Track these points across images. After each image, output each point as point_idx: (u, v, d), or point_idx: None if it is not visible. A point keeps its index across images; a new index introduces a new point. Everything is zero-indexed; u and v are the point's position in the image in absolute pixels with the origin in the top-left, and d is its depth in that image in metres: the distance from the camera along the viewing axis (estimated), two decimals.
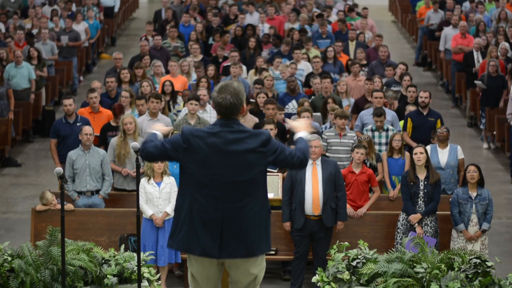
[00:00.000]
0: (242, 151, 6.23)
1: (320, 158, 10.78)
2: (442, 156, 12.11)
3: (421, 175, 10.92)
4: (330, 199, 10.68)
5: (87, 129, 11.75)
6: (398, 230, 10.94)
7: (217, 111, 6.33)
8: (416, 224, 10.81)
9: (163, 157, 6.42)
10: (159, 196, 10.92)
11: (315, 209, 10.66)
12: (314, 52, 18.33)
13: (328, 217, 10.68)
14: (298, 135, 6.56)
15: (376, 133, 12.88)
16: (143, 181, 10.93)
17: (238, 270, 6.43)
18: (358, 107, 14.58)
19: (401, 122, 13.58)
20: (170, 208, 10.87)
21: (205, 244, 6.26)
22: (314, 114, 13.70)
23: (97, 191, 11.66)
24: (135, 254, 9.12)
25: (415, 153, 10.97)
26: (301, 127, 6.63)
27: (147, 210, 10.87)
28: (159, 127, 6.63)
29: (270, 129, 11.85)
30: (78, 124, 12.83)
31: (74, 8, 23.89)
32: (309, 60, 17.60)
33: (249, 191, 6.29)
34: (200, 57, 17.85)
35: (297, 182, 10.61)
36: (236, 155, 6.23)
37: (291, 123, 6.78)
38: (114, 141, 12.17)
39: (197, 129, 6.38)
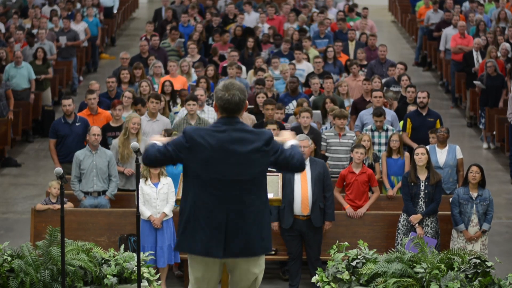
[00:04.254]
0: (246, 150, 6.20)
1: (309, 158, 10.79)
2: (441, 155, 12.11)
3: (422, 175, 10.91)
4: (318, 199, 10.68)
5: (95, 129, 11.72)
6: (399, 231, 10.93)
7: (224, 109, 6.22)
8: (417, 224, 10.80)
9: (166, 160, 6.30)
10: (156, 197, 10.90)
11: (304, 209, 10.66)
12: (314, 52, 18.32)
13: (316, 217, 10.69)
14: (289, 143, 6.42)
15: (376, 133, 12.87)
16: (140, 182, 10.87)
17: (239, 271, 6.42)
18: (356, 107, 14.57)
19: (401, 123, 13.57)
20: (168, 209, 10.87)
21: (209, 244, 6.24)
22: (313, 111, 13.69)
23: (104, 192, 11.65)
24: (134, 254, 9.12)
25: (417, 154, 10.95)
26: (288, 137, 6.54)
27: (145, 211, 10.83)
28: (158, 138, 6.47)
29: (273, 129, 11.77)
30: (77, 124, 12.86)
31: (76, 7, 23.88)
32: (309, 60, 17.60)
33: (252, 191, 6.26)
34: (198, 57, 17.81)
35: (286, 182, 10.53)
36: (240, 153, 6.19)
37: (278, 139, 6.56)
38: (115, 142, 12.15)
39: (200, 128, 6.31)
